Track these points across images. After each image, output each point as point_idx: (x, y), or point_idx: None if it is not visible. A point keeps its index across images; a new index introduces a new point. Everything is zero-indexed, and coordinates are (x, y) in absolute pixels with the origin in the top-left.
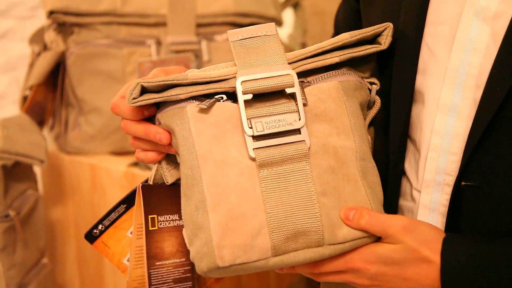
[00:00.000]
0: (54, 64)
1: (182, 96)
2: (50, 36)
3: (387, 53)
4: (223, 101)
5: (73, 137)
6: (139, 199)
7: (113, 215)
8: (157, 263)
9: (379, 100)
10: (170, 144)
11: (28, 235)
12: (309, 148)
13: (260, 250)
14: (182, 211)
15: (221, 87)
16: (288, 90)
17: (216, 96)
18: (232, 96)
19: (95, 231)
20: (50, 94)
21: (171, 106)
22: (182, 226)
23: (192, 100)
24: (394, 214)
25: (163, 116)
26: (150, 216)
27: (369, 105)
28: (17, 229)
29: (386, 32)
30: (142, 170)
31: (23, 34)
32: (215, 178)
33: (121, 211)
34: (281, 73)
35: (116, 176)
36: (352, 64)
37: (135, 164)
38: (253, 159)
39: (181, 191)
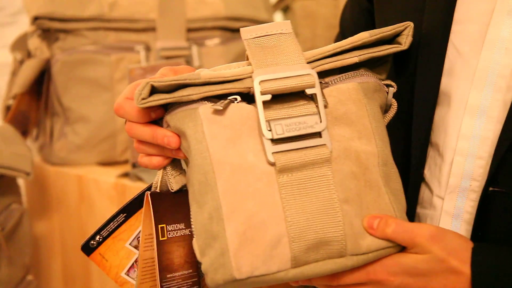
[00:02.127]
0: (38, 72)
1: (195, 97)
2: (34, 42)
3: (406, 55)
4: (237, 102)
5: (59, 148)
6: (148, 208)
7: (112, 225)
8: (168, 276)
9: (396, 104)
10: (178, 149)
11: (13, 252)
12: (330, 152)
13: (280, 261)
14: (193, 220)
15: (235, 87)
16: (309, 91)
17: (230, 97)
18: (246, 97)
19: (92, 242)
20: (34, 103)
21: (181, 107)
22: (188, 236)
23: (204, 101)
24: (412, 222)
25: (172, 118)
26: (160, 226)
27: (386, 109)
28: (1, 245)
29: (406, 32)
30: (132, 181)
31: (3, 41)
32: (231, 184)
33: (120, 221)
34: (301, 73)
35: (105, 187)
36: (368, 65)
37: (125, 174)
38: (272, 164)
39: (191, 198)
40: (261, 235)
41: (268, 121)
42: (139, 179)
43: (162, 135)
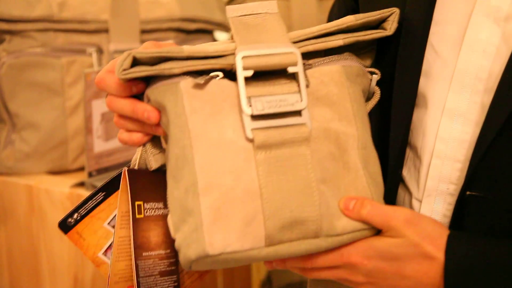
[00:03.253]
0: None
1: (176, 71)
2: None
3: (388, 54)
4: (219, 78)
5: (6, 156)
6: (124, 184)
7: (90, 204)
8: (144, 254)
9: (379, 91)
10: (158, 124)
11: None
12: (310, 131)
13: (254, 238)
14: (168, 196)
15: (218, 63)
16: (291, 69)
17: (212, 74)
18: (229, 74)
19: (69, 220)
20: None
21: (163, 81)
22: (167, 215)
23: (186, 76)
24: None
25: (153, 92)
26: (136, 203)
27: (368, 96)
28: None
29: (392, 18)
30: (88, 191)
31: None
32: (208, 159)
33: (99, 199)
34: (284, 51)
35: (59, 198)
36: (353, 51)
37: (80, 184)
38: (251, 140)
39: (168, 173)
40: (236, 212)
41: (248, 98)
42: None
43: (142, 109)
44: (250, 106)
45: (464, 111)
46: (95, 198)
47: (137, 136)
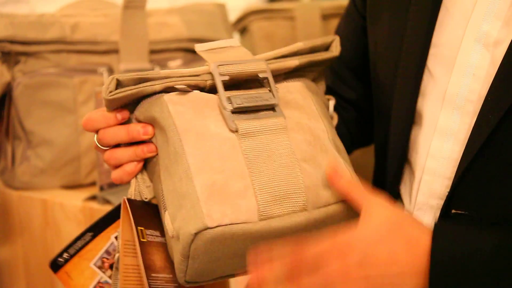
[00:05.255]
0: None
1: (157, 87)
2: None
3: (385, 77)
4: (197, 91)
5: (22, 172)
6: (126, 213)
7: (79, 243)
8: (152, 275)
9: (336, 116)
10: (150, 142)
11: None
12: (286, 122)
13: (247, 211)
14: (164, 192)
15: (194, 79)
16: (261, 75)
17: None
18: (205, 91)
19: (59, 259)
20: None
21: (147, 100)
22: (165, 243)
23: (166, 93)
24: None
25: (141, 111)
26: (139, 228)
27: None
28: None
29: (334, 44)
30: (100, 204)
31: None
32: (197, 147)
33: (87, 240)
34: (254, 60)
35: (72, 211)
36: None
37: (92, 197)
38: (235, 130)
39: (163, 173)
40: (229, 187)
41: (228, 97)
42: (107, 201)
43: (135, 127)
44: (230, 103)
45: (454, 131)
46: (83, 238)
47: (130, 167)
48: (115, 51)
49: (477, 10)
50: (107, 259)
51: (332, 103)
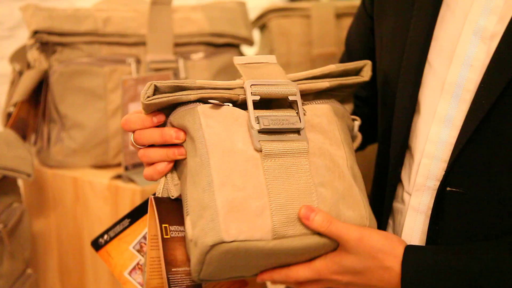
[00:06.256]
0: (37, 81)
1: (192, 97)
2: (33, 55)
3: (390, 69)
4: (229, 106)
5: (56, 152)
6: (152, 211)
7: (118, 228)
8: (173, 269)
9: (360, 136)
10: (181, 146)
11: (15, 247)
12: (308, 146)
13: (262, 230)
14: (188, 198)
15: (227, 93)
16: (291, 98)
17: (224, 102)
18: (235, 106)
19: (100, 240)
20: (33, 110)
21: (182, 107)
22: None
23: (200, 103)
24: (388, 215)
25: (175, 117)
26: (163, 225)
27: (352, 139)
28: (4, 241)
29: (366, 68)
30: (125, 183)
31: (1, 54)
32: (222, 162)
33: (125, 225)
34: (285, 83)
35: (99, 188)
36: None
37: (118, 176)
38: (259, 150)
39: (189, 181)
40: (247, 205)
41: (256, 117)
42: (131, 180)
43: (169, 131)
44: (258, 123)
45: (452, 118)
46: (121, 223)
47: (161, 166)
48: (143, 43)
49: (475, 6)
50: (145, 244)
51: (357, 123)
